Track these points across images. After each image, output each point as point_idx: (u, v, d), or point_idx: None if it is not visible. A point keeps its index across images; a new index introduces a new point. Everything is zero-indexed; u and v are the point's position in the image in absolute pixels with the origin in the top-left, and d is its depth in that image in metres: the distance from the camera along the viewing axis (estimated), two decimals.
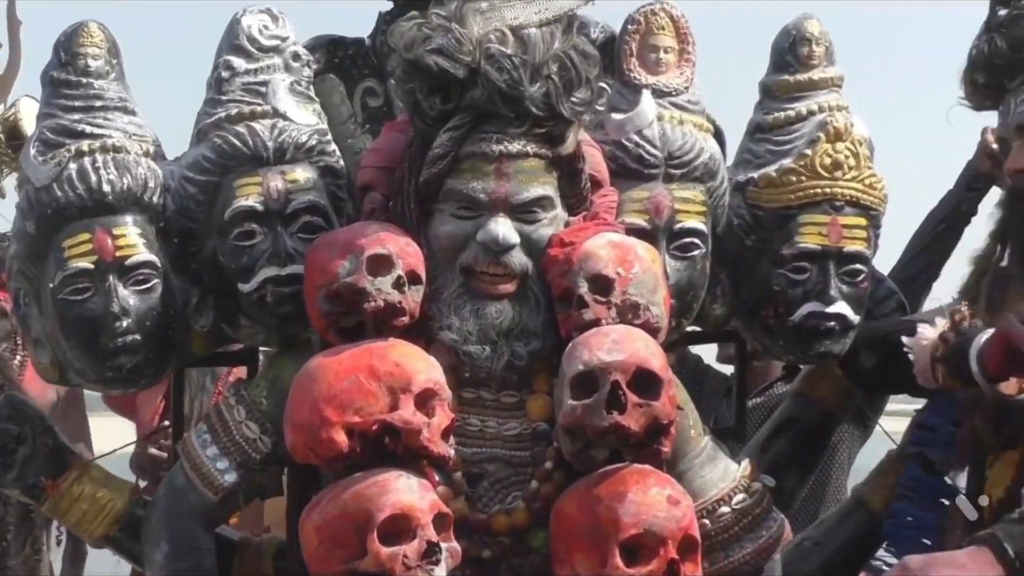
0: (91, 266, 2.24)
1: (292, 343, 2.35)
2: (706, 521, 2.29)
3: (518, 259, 2.15)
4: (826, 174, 2.43)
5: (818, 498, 3.23)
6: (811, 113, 2.46)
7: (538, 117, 2.14)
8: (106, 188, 2.25)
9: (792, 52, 2.49)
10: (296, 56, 2.38)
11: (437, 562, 1.96)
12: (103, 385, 2.39)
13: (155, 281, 2.29)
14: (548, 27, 2.16)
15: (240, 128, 2.29)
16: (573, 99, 2.16)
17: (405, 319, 2.11)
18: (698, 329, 2.60)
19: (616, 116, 2.39)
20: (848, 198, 2.44)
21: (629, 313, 2.14)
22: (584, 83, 2.17)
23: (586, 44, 2.23)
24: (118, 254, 2.25)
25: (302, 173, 2.31)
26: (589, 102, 2.20)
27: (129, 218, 2.27)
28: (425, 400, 2.04)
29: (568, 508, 2.07)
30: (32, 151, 2.28)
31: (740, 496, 2.37)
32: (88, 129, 2.29)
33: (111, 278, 2.25)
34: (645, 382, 2.04)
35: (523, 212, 2.16)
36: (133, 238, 2.27)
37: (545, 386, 2.20)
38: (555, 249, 2.16)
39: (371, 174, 2.28)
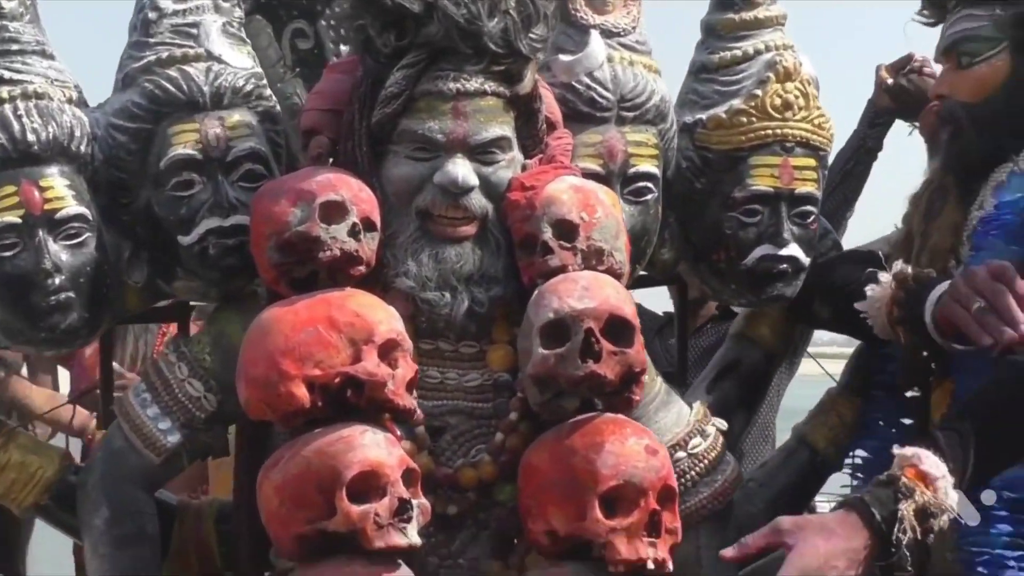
0: (18, 220, 2.06)
1: (235, 297, 2.21)
2: None
3: (477, 201, 2.04)
4: (777, 115, 2.35)
5: (745, 436, 3.21)
6: (758, 52, 2.38)
7: (496, 54, 2.02)
8: (31, 137, 2.07)
9: None
10: None
11: (409, 519, 1.85)
12: (35, 346, 2.21)
13: (87, 235, 2.13)
14: None
15: (172, 72, 2.13)
16: (531, 35, 2.05)
17: (362, 268, 1.99)
18: (643, 273, 2.52)
19: (564, 58, 2.27)
20: (799, 139, 2.37)
21: (593, 259, 2.04)
22: (542, 18, 2.06)
23: None
24: (47, 207, 2.08)
25: (241, 118, 2.16)
26: (546, 39, 2.10)
27: (56, 169, 2.10)
28: (387, 351, 1.91)
29: (539, 461, 1.97)
30: None
31: (695, 440, 2.29)
32: (6, 75, 2.10)
33: (40, 232, 2.07)
34: (617, 329, 1.95)
35: (481, 153, 2.04)
36: (62, 190, 2.10)
37: (505, 335, 2.10)
38: (515, 193, 2.05)
39: (316, 117, 2.13)
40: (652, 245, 2.38)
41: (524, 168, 2.11)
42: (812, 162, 2.40)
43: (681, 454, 2.25)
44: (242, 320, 2.13)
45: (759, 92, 2.35)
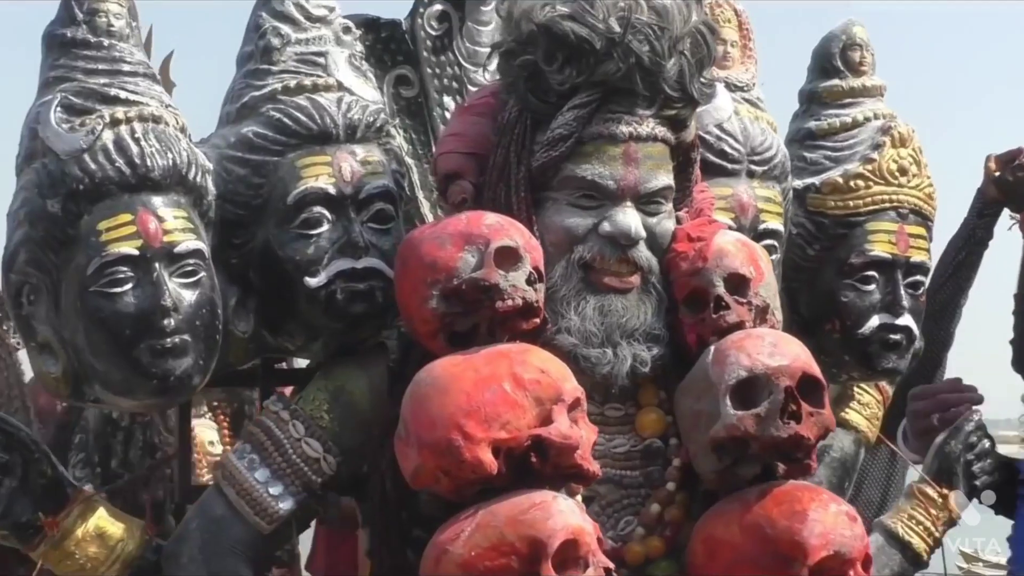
0: (135, 252, 1.79)
1: (353, 350, 1.96)
2: None
3: (644, 255, 1.85)
4: (893, 180, 2.25)
5: None
6: (866, 119, 2.29)
7: (669, 97, 1.85)
8: (150, 162, 1.81)
9: (842, 57, 2.31)
10: (347, 29, 2.01)
11: None
12: (139, 397, 1.88)
13: (203, 274, 1.86)
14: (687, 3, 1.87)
15: (302, 101, 1.91)
16: (702, 79, 1.89)
17: (537, 320, 1.77)
18: None
19: None
20: (913, 206, 2.27)
21: (759, 317, 1.88)
22: (711, 62, 1.92)
23: (712, 21, 1.98)
24: (166, 239, 1.81)
25: (373, 154, 1.94)
26: (713, 85, 1.96)
27: (175, 199, 1.84)
28: (572, 412, 1.69)
29: (727, 534, 1.76)
30: (52, 117, 1.80)
31: None
32: (122, 94, 1.84)
33: (158, 267, 1.80)
34: (810, 389, 1.77)
35: (648, 203, 1.86)
36: (181, 222, 1.84)
37: (653, 399, 1.90)
38: (682, 244, 1.88)
39: (458, 160, 1.91)
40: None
41: (679, 221, 1.93)
42: (923, 231, 2.30)
43: None
44: (367, 375, 1.91)
45: (875, 156, 2.25)
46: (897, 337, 2.26)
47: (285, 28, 1.95)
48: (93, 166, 1.79)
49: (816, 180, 2.27)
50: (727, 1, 2.22)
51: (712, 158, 2.11)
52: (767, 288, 1.91)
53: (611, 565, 1.65)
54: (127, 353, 1.81)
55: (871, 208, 2.26)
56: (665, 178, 1.88)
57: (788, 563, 1.72)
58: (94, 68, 1.86)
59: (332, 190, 1.90)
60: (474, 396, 1.66)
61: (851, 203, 2.26)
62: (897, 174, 2.27)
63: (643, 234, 1.84)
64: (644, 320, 1.85)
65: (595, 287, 1.84)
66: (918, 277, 2.30)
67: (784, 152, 2.21)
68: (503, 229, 1.77)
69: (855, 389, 2.46)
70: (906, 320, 2.26)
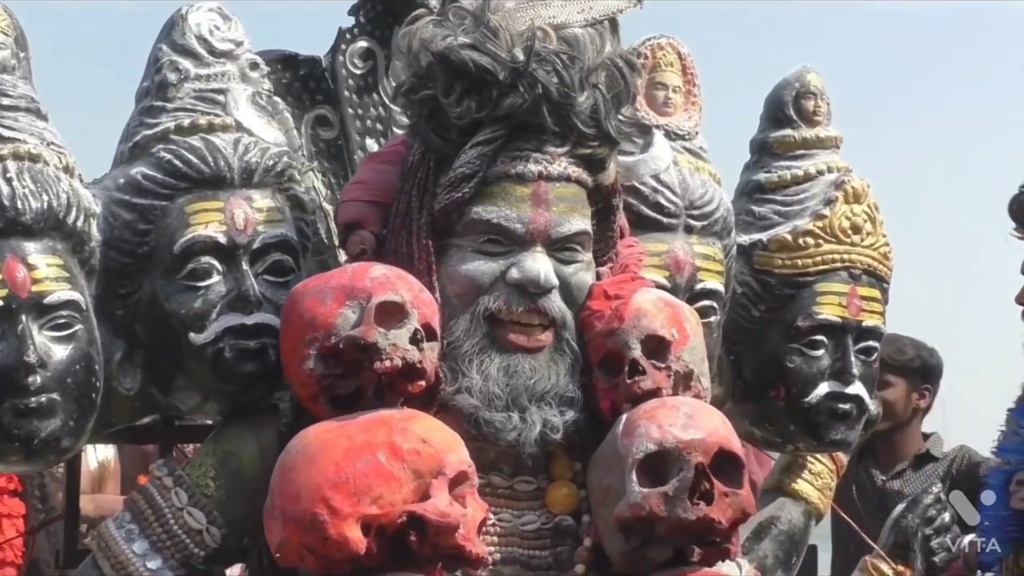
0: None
1: (246, 411, 1.76)
2: None
3: (556, 305, 1.64)
4: (845, 238, 2.04)
5: None
6: (820, 172, 2.08)
7: (583, 134, 1.65)
8: (20, 204, 1.63)
9: (795, 106, 2.10)
10: (254, 65, 1.83)
11: None
12: (5, 458, 1.69)
13: (78, 327, 1.67)
14: (596, 28, 1.69)
15: (195, 142, 1.73)
16: (620, 117, 1.70)
17: (422, 383, 1.56)
18: None
19: (625, 159, 1.88)
20: (866, 267, 2.06)
21: (682, 384, 1.66)
22: (629, 100, 1.72)
23: (630, 54, 1.77)
24: (34, 289, 1.63)
25: (270, 201, 1.75)
26: (632, 124, 1.76)
27: (48, 244, 1.66)
28: (456, 487, 1.49)
29: None
30: None
31: None
32: None
33: (24, 319, 1.62)
34: (726, 466, 1.56)
35: (561, 249, 1.66)
36: (54, 270, 1.65)
37: (566, 471, 1.69)
38: (597, 301, 1.67)
39: (358, 209, 1.72)
40: (710, 373, 2.05)
41: (600, 276, 1.73)
42: (877, 293, 2.08)
43: None
44: (257, 439, 1.71)
45: (827, 212, 2.04)
46: (846, 407, 2.04)
47: (185, 63, 1.77)
48: None
49: (763, 236, 2.06)
50: (670, 44, 2.02)
51: (647, 211, 1.91)
52: (692, 352, 1.69)
53: None
54: None
55: (821, 268, 2.04)
56: (580, 223, 1.67)
57: None
58: None
59: (223, 239, 1.71)
60: (344, 467, 1.46)
61: (799, 262, 2.04)
62: (850, 232, 2.06)
63: (554, 282, 1.63)
64: (555, 382, 1.63)
65: (501, 344, 1.63)
66: (871, 343, 2.07)
67: (727, 207, 2.00)
68: (388, 283, 1.56)
69: (807, 458, 2.26)
70: (856, 389, 2.04)
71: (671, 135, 1.97)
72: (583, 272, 1.69)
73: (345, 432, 1.51)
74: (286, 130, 1.85)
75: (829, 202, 2.06)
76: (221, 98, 1.77)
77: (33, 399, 1.62)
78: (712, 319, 1.96)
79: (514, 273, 1.62)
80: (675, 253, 1.91)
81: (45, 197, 1.66)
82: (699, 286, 1.93)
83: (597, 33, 1.69)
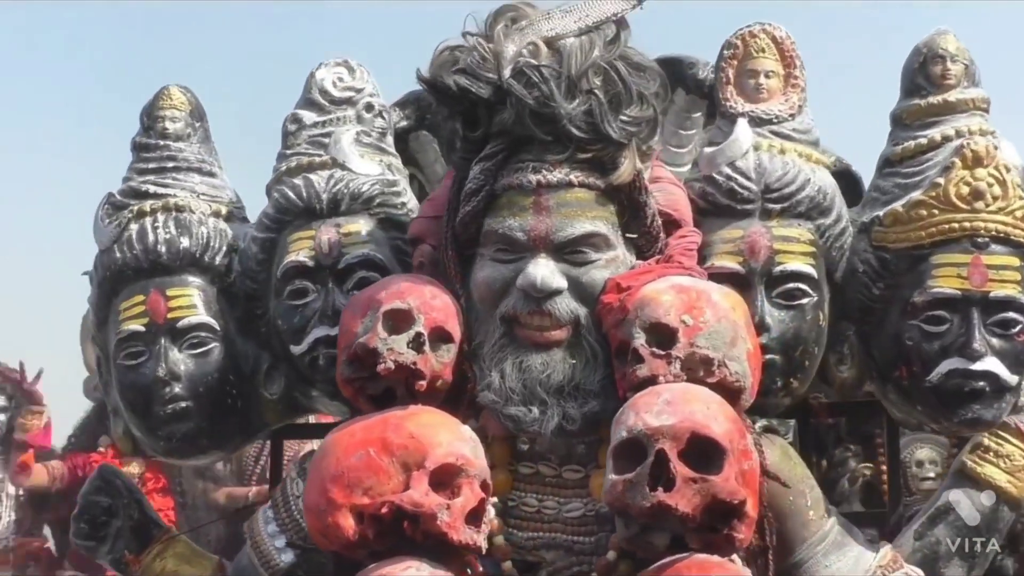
0: (142, 328, 1.93)
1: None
2: None
3: (565, 306, 1.66)
4: (964, 205, 1.83)
5: None
6: (946, 139, 1.89)
7: (580, 139, 1.65)
8: (161, 248, 1.94)
9: (923, 73, 1.93)
10: (369, 107, 2.01)
11: None
12: (160, 455, 2.04)
13: (212, 345, 1.95)
14: (588, 35, 1.69)
15: (297, 180, 1.94)
16: (623, 117, 1.66)
17: (423, 383, 1.65)
18: (821, 398, 2.03)
19: (708, 149, 1.88)
20: (994, 233, 1.82)
21: (700, 369, 1.60)
22: (637, 99, 1.67)
23: (640, 55, 1.73)
24: (170, 316, 1.93)
25: (358, 225, 1.92)
26: (645, 121, 1.70)
27: (186, 279, 1.96)
28: (447, 478, 1.57)
29: None
30: (100, 213, 2.00)
31: None
32: (153, 189, 1.99)
33: (162, 340, 1.92)
34: (702, 452, 1.50)
35: (569, 252, 1.67)
36: (188, 299, 1.95)
37: None
38: (609, 295, 1.66)
39: (420, 225, 1.85)
40: (812, 357, 1.87)
41: (633, 269, 1.72)
42: (1014, 261, 1.84)
43: None
44: None
45: (941, 180, 1.84)
46: (977, 385, 1.83)
47: (307, 114, 2.00)
48: (118, 255, 1.96)
49: (881, 212, 1.90)
50: (763, 31, 1.93)
51: (721, 199, 1.86)
52: (711, 337, 1.62)
53: None
54: (141, 418, 1.96)
55: (937, 239, 1.84)
56: (587, 225, 1.67)
57: None
58: (145, 168, 2.03)
59: (310, 262, 1.91)
60: (342, 461, 1.59)
61: (913, 235, 1.86)
62: (969, 199, 1.84)
63: (554, 285, 1.65)
64: (571, 376, 1.66)
65: (517, 343, 1.68)
66: (1007, 314, 1.83)
67: (820, 186, 1.87)
68: (399, 293, 1.68)
69: (992, 439, 2.02)
70: (986, 364, 1.81)
71: (758, 120, 1.89)
72: (596, 270, 1.69)
73: (350, 430, 1.64)
74: (388, 163, 2.01)
75: (946, 169, 1.86)
76: (326, 140, 1.97)
77: (169, 407, 1.93)
78: (804, 301, 1.85)
79: (520, 279, 1.67)
80: (750, 238, 1.84)
81: (184, 240, 1.96)
82: (778, 269, 1.84)
83: (588, 40, 1.68)
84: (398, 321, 1.67)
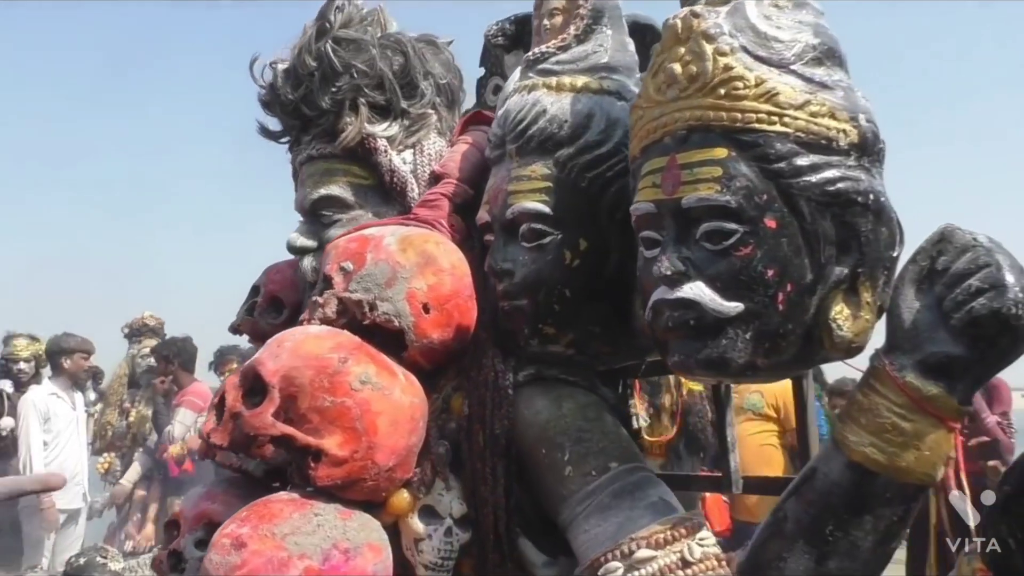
0: None
1: None
2: None
3: (308, 264, 1.71)
4: (660, 97, 1.34)
5: None
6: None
7: (308, 117, 1.71)
8: None
9: None
10: None
11: None
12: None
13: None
14: (309, 32, 1.74)
15: None
16: (333, 88, 1.67)
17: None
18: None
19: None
20: (694, 122, 1.31)
21: (356, 312, 1.51)
22: (343, 70, 1.66)
23: (353, 32, 1.72)
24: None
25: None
26: (352, 88, 1.68)
27: None
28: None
29: None
30: None
31: (613, 564, 1.37)
32: None
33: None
34: (257, 390, 1.42)
35: (315, 216, 1.70)
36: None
37: None
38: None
39: None
40: (563, 299, 1.50)
41: None
42: (719, 153, 1.29)
43: None
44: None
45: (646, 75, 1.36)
46: (678, 316, 1.33)
47: None
48: None
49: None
50: None
51: (487, 152, 1.65)
52: (364, 280, 1.52)
53: None
54: None
55: (645, 144, 1.40)
56: (322, 190, 1.70)
57: None
58: None
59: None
60: None
61: (635, 148, 1.44)
62: (664, 87, 1.35)
63: (299, 244, 1.72)
64: None
65: None
66: (713, 224, 1.31)
67: (554, 116, 1.52)
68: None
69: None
70: (685, 292, 1.33)
71: (528, 63, 1.61)
72: (335, 229, 1.70)
73: None
74: None
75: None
76: None
77: None
78: (545, 241, 1.51)
79: None
80: (494, 186, 1.57)
81: None
82: (509, 211, 1.53)
83: (308, 37, 1.72)
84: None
